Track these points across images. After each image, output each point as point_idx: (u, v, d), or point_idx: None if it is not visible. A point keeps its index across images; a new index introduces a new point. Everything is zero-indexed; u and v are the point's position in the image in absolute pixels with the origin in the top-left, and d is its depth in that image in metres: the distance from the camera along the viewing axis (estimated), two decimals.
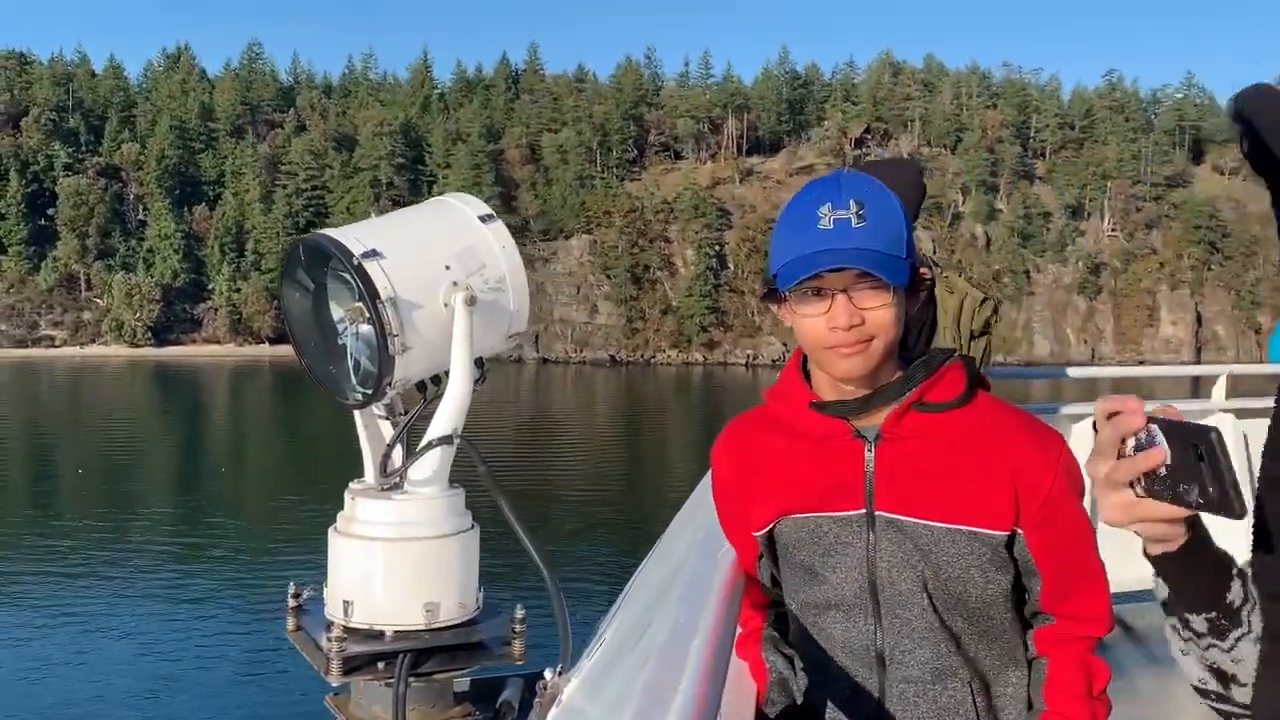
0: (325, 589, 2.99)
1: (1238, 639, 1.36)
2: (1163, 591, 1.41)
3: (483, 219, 2.97)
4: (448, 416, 2.92)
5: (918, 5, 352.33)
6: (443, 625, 2.93)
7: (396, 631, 2.89)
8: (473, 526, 3.01)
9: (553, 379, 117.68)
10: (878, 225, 2.02)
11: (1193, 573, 1.35)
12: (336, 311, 2.90)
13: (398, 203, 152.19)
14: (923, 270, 2.13)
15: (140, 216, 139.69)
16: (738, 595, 2.25)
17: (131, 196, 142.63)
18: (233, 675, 17.07)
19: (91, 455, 42.15)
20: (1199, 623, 1.39)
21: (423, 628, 2.90)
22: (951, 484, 2.08)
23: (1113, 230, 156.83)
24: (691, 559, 2.54)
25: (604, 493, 35.29)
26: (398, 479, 2.96)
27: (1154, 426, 1.27)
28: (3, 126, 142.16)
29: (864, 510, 2.11)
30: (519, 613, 3.02)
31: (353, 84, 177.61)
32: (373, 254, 2.79)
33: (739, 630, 2.36)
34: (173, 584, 23.46)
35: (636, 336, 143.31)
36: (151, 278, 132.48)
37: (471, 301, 2.87)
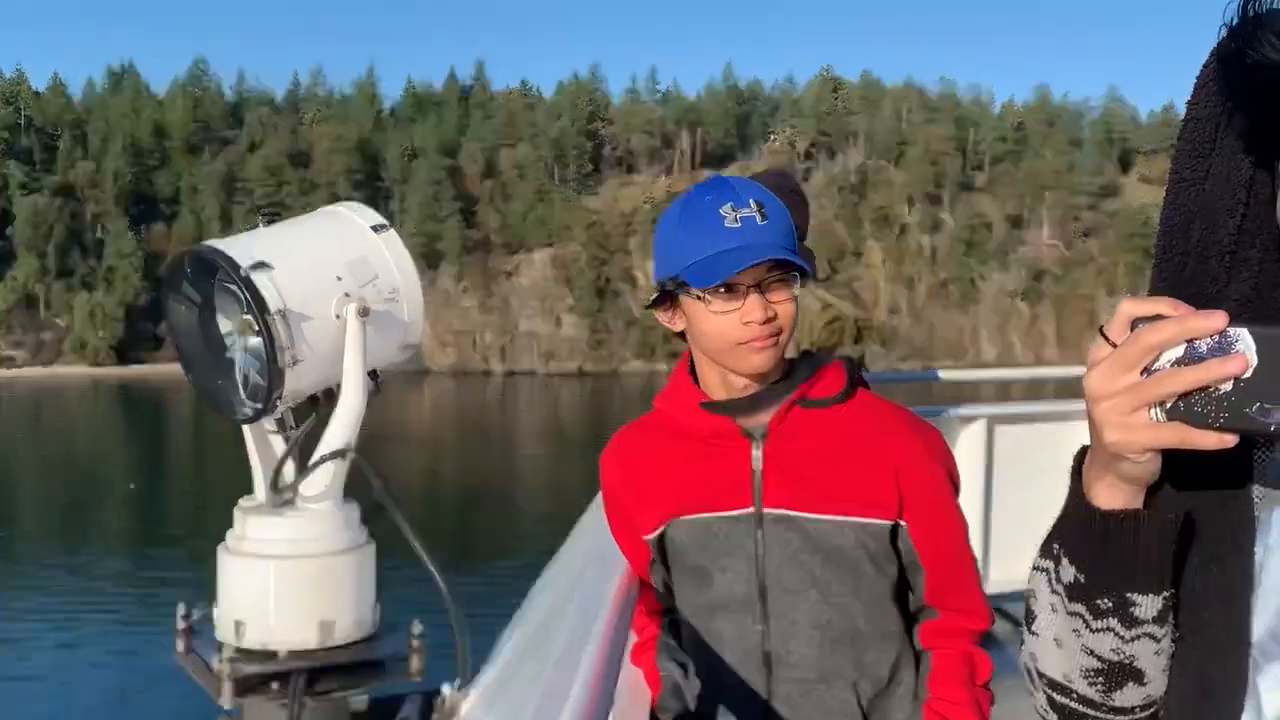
0: (216, 610, 2.86)
1: (1140, 635, 1.24)
2: (1068, 573, 1.24)
3: (375, 229, 2.87)
4: (340, 430, 2.81)
5: (854, 23, 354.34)
6: (338, 643, 2.82)
7: (291, 651, 2.78)
8: (368, 542, 2.90)
9: (519, 391, 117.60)
10: (777, 223, 2.05)
11: (1147, 540, 1.18)
12: (224, 325, 2.78)
13: None
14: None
15: (98, 235, 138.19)
16: (630, 602, 2.24)
17: (89, 215, 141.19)
18: (120, 702, 16.67)
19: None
20: (1105, 602, 1.22)
21: (318, 646, 2.79)
22: (837, 477, 2.09)
23: (1052, 239, 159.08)
24: (588, 567, 2.52)
25: (531, 501, 35.20)
26: (289, 495, 2.84)
27: (1237, 331, 1.05)
28: None
29: (752, 509, 2.11)
30: (416, 628, 2.91)
31: (302, 100, 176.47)
32: (261, 265, 2.68)
33: (634, 638, 2.34)
34: (56, 609, 23.02)
35: (602, 348, 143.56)
36: (112, 297, 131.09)
37: (364, 313, 2.76)
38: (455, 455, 59.82)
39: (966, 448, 5.95)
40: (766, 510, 2.11)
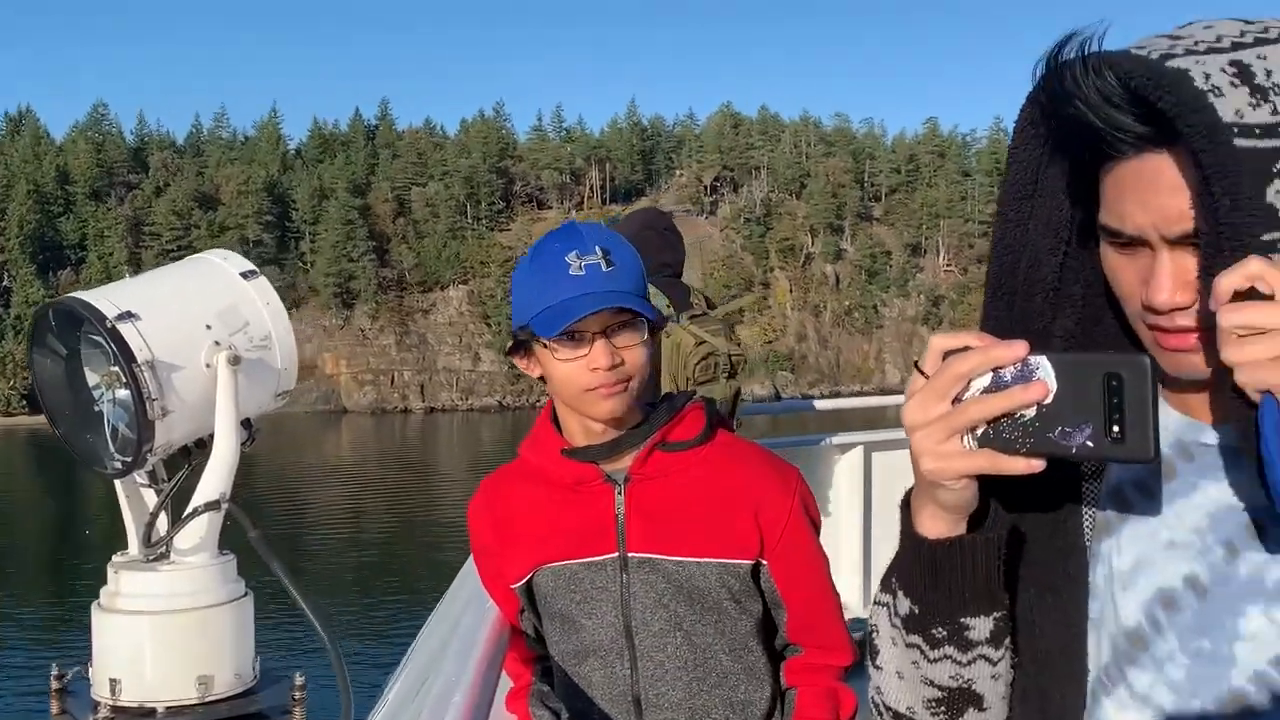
0: (91, 668, 2.75)
1: (975, 658, 1.26)
2: (904, 605, 1.26)
3: (245, 275, 2.80)
4: (214, 481, 2.73)
5: (751, 60, 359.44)
6: (218, 698, 2.72)
7: (168, 708, 2.69)
8: (246, 594, 2.81)
9: (439, 427, 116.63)
10: (624, 269, 2.03)
11: (974, 561, 1.21)
12: (92, 378, 2.69)
13: (266, 260, 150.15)
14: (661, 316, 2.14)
15: (5, 284, 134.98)
16: (501, 650, 2.22)
17: None
18: None
19: None
20: (940, 630, 1.24)
21: (196, 701, 2.70)
22: (698, 519, 2.08)
23: (948, 265, 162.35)
24: (466, 614, 2.49)
25: (451, 536, 34.89)
26: (163, 549, 2.74)
27: (1038, 359, 1.09)
28: None
29: (616, 553, 2.10)
30: (299, 679, 2.83)
31: (205, 142, 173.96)
32: (127, 316, 2.59)
33: (510, 685, 2.33)
34: None
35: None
36: (22, 346, 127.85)
37: (235, 361, 2.69)
38: (374, 493, 59.13)
39: (845, 475, 5.98)
40: (630, 554, 2.10)
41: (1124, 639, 1.21)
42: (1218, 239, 1.07)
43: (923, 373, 1.16)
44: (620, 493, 2.10)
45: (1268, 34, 1.14)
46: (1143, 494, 1.23)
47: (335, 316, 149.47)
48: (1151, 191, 1.11)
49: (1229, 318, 1.02)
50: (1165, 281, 1.12)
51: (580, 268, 2.01)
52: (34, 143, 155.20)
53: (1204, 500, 1.19)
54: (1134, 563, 1.22)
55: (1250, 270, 1.02)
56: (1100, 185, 1.18)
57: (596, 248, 2.03)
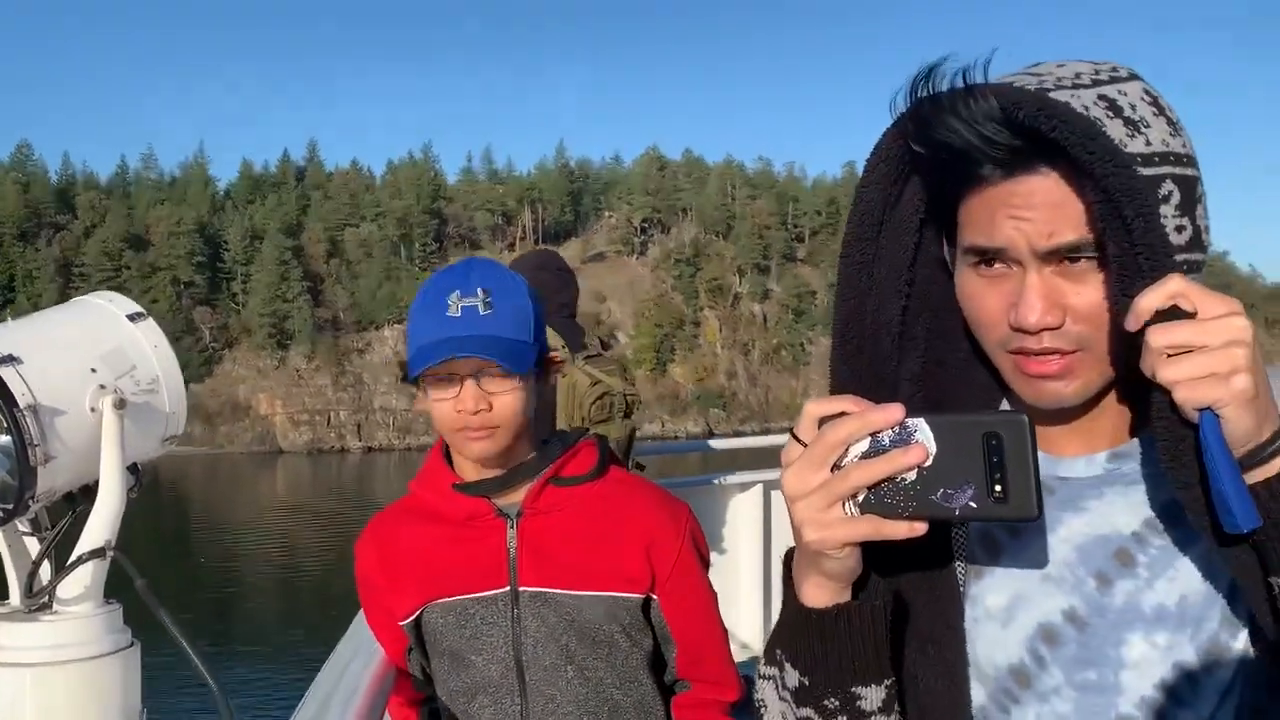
0: None
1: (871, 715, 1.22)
2: (793, 678, 1.22)
3: (131, 317, 2.69)
4: (99, 528, 2.60)
5: (674, 102, 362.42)
6: None
7: None
8: (133, 644, 2.69)
9: (376, 466, 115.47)
10: (503, 312, 2.01)
11: (862, 629, 1.18)
12: None
13: (199, 301, 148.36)
14: (553, 353, 2.12)
15: None
16: (384, 694, 2.14)
17: None
18: None
19: None
20: (832, 701, 1.21)
21: None
22: (590, 552, 2.07)
23: None
24: (355, 658, 2.49)
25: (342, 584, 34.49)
26: (46, 599, 2.62)
27: (915, 421, 1.07)
28: None
29: (508, 588, 2.07)
30: None
31: (131, 182, 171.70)
32: (8, 359, 2.48)
33: None
34: None
35: None
36: None
37: (121, 405, 2.58)
38: (309, 534, 58.29)
39: (745, 512, 5.96)
40: (522, 589, 2.07)
41: (1006, 676, 1.21)
42: (1134, 259, 1.06)
43: (799, 440, 1.13)
44: (513, 527, 2.08)
45: (1118, 73, 1.16)
46: (1010, 534, 1.23)
47: (270, 357, 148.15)
48: (1026, 208, 1.11)
49: (1159, 337, 1.01)
50: (1035, 301, 1.12)
51: (458, 309, 2.00)
52: None
53: (1069, 534, 1.19)
54: (1010, 600, 1.21)
55: (1171, 288, 1.02)
56: (962, 210, 1.17)
57: (479, 289, 2.01)
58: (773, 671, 1.27)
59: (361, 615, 3.00)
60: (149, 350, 2.74)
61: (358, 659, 2.35)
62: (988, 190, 1.14)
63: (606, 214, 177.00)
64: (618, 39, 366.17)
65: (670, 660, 2.15)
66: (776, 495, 5.95)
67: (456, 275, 2.06)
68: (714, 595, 2.19)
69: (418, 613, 2.14)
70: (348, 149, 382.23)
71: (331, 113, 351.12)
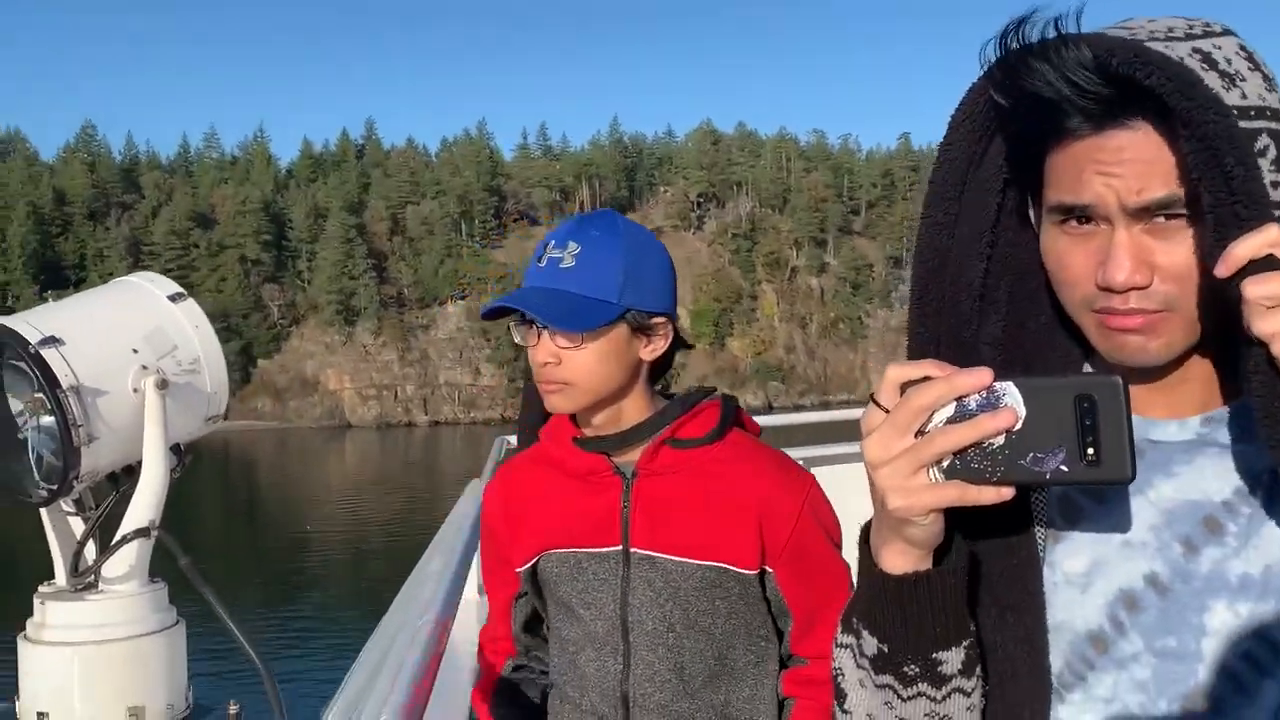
0: (17, 702, 2.63)
1: (951, 692, 1.19)
2: (871, 645, 1.19)
3: (172, 298, 2.69)
4: (143, 508, 2.61)
5: (726, 76, 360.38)
6: None
7: None
8: (177, 622, 2.69)
9: (442, 440, 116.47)
10: (586, 269, 1.96)
11: (943, 595, 1.15)
12: (15, 404, 2.56)
13: (267, 279, 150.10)
14: (656, 319, 2.04)
15: (8, 304, 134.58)
16: (426, 667, 2.11)
17: None
18: None
19: None
20: (912, 668, 1.18)
21: None
22: (701, 519, 2.00)
23: None
24: (400, 632, 2.46)
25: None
26: (91, 578, 2.62)
27: (1003, 385, 1.04)
28: None
29: (620, 546, 2.02)
30: (233, 708, 2.71)
31: (194, 161, 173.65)
32: (51, 340, 2.47)
33: (480, 675, 2.31)
34: None
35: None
36: None
37: (163, 385, 2.57)
38: (378, 506, 58.82)
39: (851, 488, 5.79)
40: (633, 550, 2.02)
41: (1084, 642, 1.18)
42: (1230, 209, 1.03)
43: (881, 406, 1.10)
44: (627, 486, 2.04)
45: (1212, 28, 1.13)
46: (1092, 498, 1.20)
47: (338, 333, 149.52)
48: (1115, 163, 1.08)
49: (1255, 288, 0.98)
50: (1124, 259, 1.08)
51: (545, 260, 1.98)
52: (26, 164, 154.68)
53: (1157, 498, 1.16)
54: (1090, 565, 1.18)
55: (1270, 236, 0.99)
56: (1048, 166, 1.14)
57: (572, 242, 1.97)
58: (849, 639, 1.23)
59: (406, 588, 2.99)
60: (190, 330, 2.73)
61: (403, 634, 2.32)
62: (1075, 145, 1.10)
63: (662, 189, 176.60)
64: (666, 11, 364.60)
65: (786, 634, 2.09)
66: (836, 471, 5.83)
67: (567, 226, 2.04)
68: (843, 568, 2.07)
69: (534, 560, 2.12)
70: (401, 127, 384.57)
71: (386, 91, 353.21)
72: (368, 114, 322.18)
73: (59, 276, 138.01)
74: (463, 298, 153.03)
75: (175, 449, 2.63)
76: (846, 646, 1.23)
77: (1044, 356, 1.24)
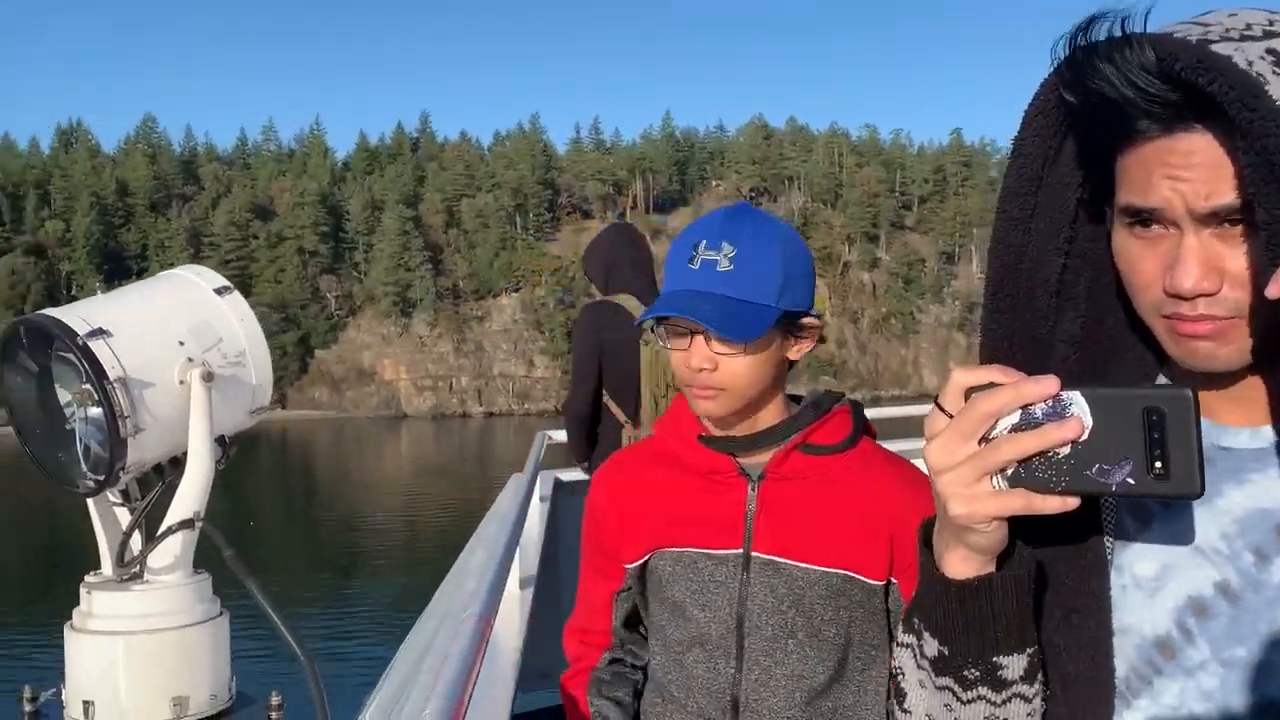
0: (64, 690, 2.63)
1: (1010, 697, 1.16)
2: (932, 647, 1.17)
3: (218, 291, 2.68)
4: (188, 499, 2.61)
5: (779, 73, 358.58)
6: (193, 718, 2.59)
7: None
8: (221, 613, 2.68)
9: (496, 431, 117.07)
10: (744, 271, 1.89)
11: (1004, 601, 1.12)
12: (63, 395, 2.57)
13: (324, 270, 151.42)
14: (808, 319, 1.98)
15: (73, 293, 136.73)
16: (470, 660, 2.08)
17: (62, 274, 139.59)
18: None
19: None
20: (973, 672, 1.16)
21: None
22: (829, 527, 1.95)
23: (982, 273, 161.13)
24: (443, 625, 2.42)
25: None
26: (137, 568, 2.62)
27: (1070, 394, 1.01)
28: None
29: (741, 550, 1.96)
30: (275, 699, 2.70)
31: (252, 154, 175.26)
32: (99, 333, 2.48)
33: (569, 666, 2.24)
34: None
35: None
36: None
37: (209, 378, 2.57)
38: (431, 496, 59.19)
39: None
40: (754, 554, 1.96)
41: (1150, 648, 1.14)
42: None
43: (945, 411, 1.08)
44: (753, 489, 1.98)
45: None
46: (1163, 503, 1.17)
47: (394, 324, 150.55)
48: (1184, 167, 1.04)
49: None
50: (1192, 266, 1.05)
51: (698, 262, 1.90)
52: (89, 156, 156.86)
53: (1229, 506, 1.13)
54: (1159, 570, 1.15)
55: None
56: (1118, 167, 1.11)
57: (725, 242, 1.89)
58: (910, 639, 1.20)
59: (447, 582, 2.96)
60: (236, 323, 2.72)
61: (445, 627, 2.29)
62: (1144, 147, 1.06)
63: (714, 183, 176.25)
64: (718, 7, 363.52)
65: None
66: None
67: (711, 223, 1.95)
68: None
69: (646, 558, 2.06)
70: (455, 120, 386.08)
71: (439, 85, 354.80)
72: (422, 107, 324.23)
73: (122, 267, 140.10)
74: (517, 290, 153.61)
75: (220, 441, 2.63)
76: (907, 646, 1.21)
77: (1120, 356, 1.21)
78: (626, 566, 2.10)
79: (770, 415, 2.02)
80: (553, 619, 5.43)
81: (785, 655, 1.96)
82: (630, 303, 4.94)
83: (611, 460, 2.23)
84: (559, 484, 6.17)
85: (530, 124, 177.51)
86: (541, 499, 5.52)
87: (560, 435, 6.74)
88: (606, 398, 5.04)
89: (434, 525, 44.70)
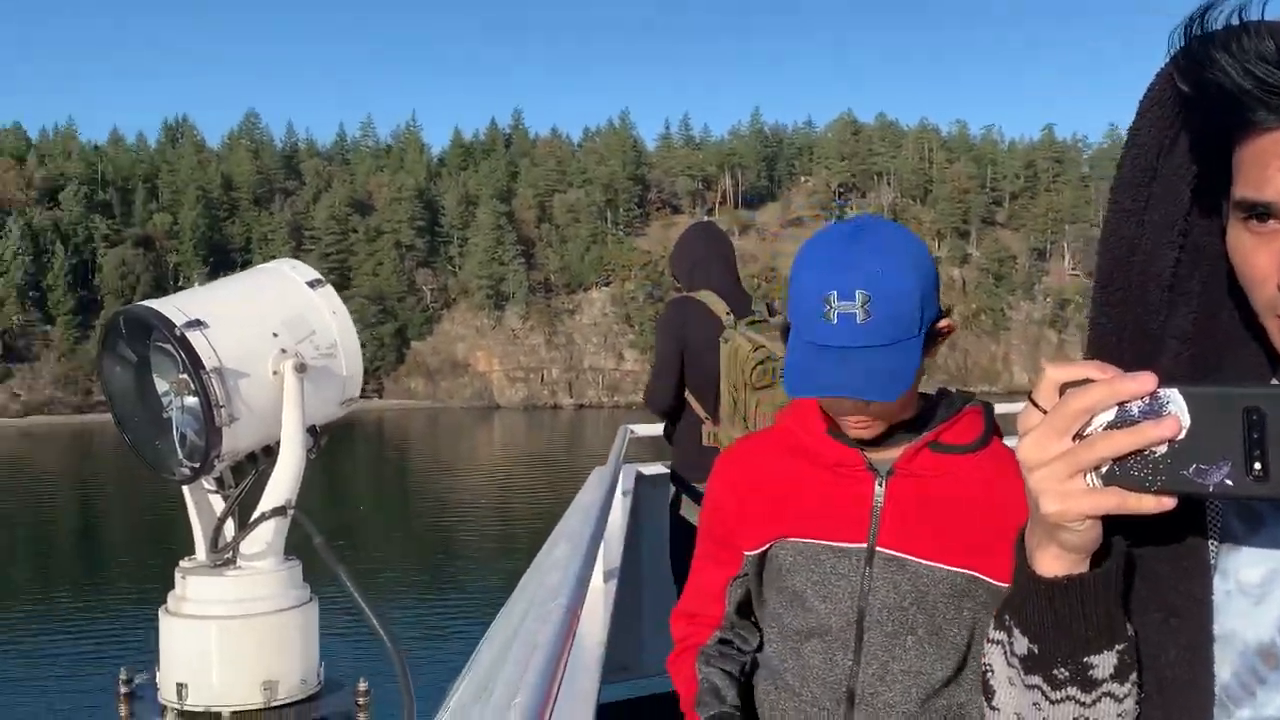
0: (158, 672, 2.68)
1: (1100, 696, 1.13)
2: (1022, 645, 1.15)
3: (311, 284, 2.71)
4: (280, 487, 2.63)
5: (868, 68, 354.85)
6: (282, 703, 2.62)
7: (234, 713, 2.58)
8: (311, 599, 2.71)
9: (586, 422, 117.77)
10: (882, 318, 1.82)
11: (1095, 600, 1.09)
12: (161, 384, 2.61)
13: (420, 264, 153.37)
14: (942, 323, 1.94)
15: (179, 284, 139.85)
16: (559, 650, 2.06)
17: (171, 265, 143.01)
18: None
19: None
20: (1062, 671, 1.13)
21: (261, 706, 2.59)
22: (956, 525, 1.93)
23: (1074, 269, 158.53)
24: (529, 615, 2.43)
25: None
26: (230, 554, 2.65)
27: (1168, 392, 0.97)
28: (40, 201, 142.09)
29: (865, 544, 1.95)
30: (362, 685, 2.71)
31: (350, 150, 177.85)
32: (196, 324, 2.51)
33: (676, 646, 2.24)
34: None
35: None
36: None
37: (301, 369, 2.59)
38: (521, 485, 59.65)
39: None
40: (879, 549, 1.95)
41: (1254, 655, 1.09)
42: None
43: (1038, 407, 1.05)
44: (881, 484, 1.96)
45: None
46: (1273, 506, 1.12)
47: (487, 317, 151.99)
48: None
49: None
50: None
51: (834, 315, 1.82)
52: (195, 150, 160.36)
53: None
54: (1266, 576, 1.10)
55: None
56: (1235, 159, 1.07)
57: (858, 291, 1.81)
58: (1000, 636, 1.18)
59: (529, 575, 2.95)
60: (328, 316, 2.74)
61: (533, 613, 2.31)
62: (1262, 138, 1.02)
63: (802, 178, 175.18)
64: (808, 3, 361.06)
65: None
66: None
67: (835, 265, 1.85)
68: None
69: (767, 546, 2.05)
70: (545, 117, 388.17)
71: (529, 81, 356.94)
72: (514, 104, 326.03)
73: (227, 259, 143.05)
74: (607, 284, 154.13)
75: (311, 431, 2.65)
76: (997, 643, 1.19)
77: (1233, 354, 1.17)
78: (746, 554, 2.09)
79: (902, 411, 1.99)
80: (633, 612, 5.44)
81: (904, 651, 1.94)
82: (712, 299, 4.92)
83: (735, 448, 2.23)
84: (640, 477, 6.16)
85: (620, 120, 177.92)
86: (624, 493, 5.51)
87: (643, 429, 6.73)
88: (688, 393, 5.03)
89: (523, 515, 45.04)
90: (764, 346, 4.61)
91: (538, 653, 1.92)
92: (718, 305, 4.88)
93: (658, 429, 5.60)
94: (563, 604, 2.22)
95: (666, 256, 5.58)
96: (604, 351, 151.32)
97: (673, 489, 5.03)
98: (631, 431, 6.41)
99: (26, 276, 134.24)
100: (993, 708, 1.19)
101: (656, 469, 6.11)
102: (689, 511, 4.86)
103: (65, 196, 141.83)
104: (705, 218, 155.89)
